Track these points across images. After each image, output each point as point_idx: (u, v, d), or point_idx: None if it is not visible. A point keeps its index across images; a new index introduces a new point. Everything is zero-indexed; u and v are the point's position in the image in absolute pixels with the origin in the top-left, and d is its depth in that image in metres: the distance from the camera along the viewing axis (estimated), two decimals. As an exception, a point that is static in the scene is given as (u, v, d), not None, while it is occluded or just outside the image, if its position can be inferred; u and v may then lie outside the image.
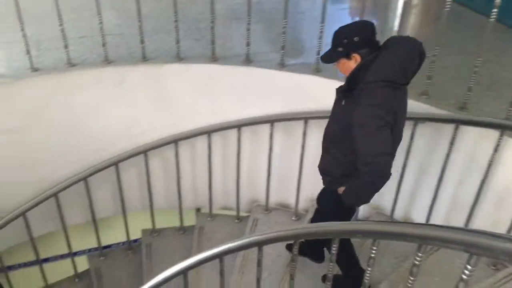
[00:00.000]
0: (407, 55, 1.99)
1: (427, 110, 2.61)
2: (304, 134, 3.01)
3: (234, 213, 3.57)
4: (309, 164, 3.10)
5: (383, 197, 3.03)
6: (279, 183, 3.39)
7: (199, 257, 2.17)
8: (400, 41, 2.07)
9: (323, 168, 2.31)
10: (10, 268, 3.40)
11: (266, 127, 3.10)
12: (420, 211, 2.89)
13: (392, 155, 2.10)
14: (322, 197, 2.50)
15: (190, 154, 3.37)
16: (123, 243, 3.75)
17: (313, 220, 2.70)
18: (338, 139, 2.16)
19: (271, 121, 3.06)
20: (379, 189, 2.03)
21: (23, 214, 3.05)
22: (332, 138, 2.24)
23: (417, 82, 2.66)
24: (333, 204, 2.29)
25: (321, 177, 2.35)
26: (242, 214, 3.57)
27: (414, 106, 2.59)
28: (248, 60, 3.02)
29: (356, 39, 1.99)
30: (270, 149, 3.17)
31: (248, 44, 2.97)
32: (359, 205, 2.32)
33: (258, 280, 2.00)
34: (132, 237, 3.64)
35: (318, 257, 2.80)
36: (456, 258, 2.43)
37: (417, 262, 1.41)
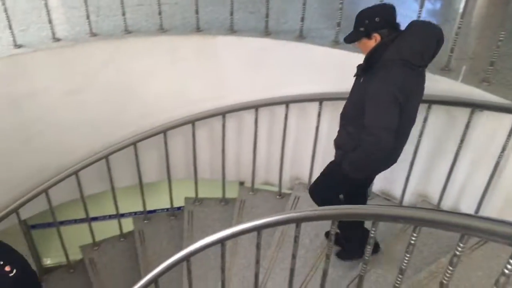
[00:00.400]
0: (425, 39, 2.09)
1: (487, 98, 2.46)
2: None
3: (276, 189, 3.58)
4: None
5: (431, 184, 2.93)
6: (324, 162, 3.34)
7: (238, 228, 2.20)
8: (421, 25, 2.16)
9: (338, 143, 2.42)
10: (62, 223, 3.61)
11: (314, 105, 3.06)
12: (470, 203, 2.78)
13: (403, 135, 2.24)
14: (330, 164, 2.56)
15: (237, 127, 3.39)
16: (167, 209, 3.87)
17: (314, 183, 2.69)
18: (354, 116, 2.25)
19: (321, 99, 3.01)
20: (378, 163, 2.21)
21: (76, 173, 3.22)
22: (348, 114, 2.34)
23: (478, 67, 2.51)
24: (338, 175, 2.37)
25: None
26: (284, 191, 3.57)
27: (474, 93, 2.46)
28: (301, 36, 2.97)
29: (377, 19, 2.12)
30: (317, 128, 3.13)
31: (302, 19, 2.91)
32: (359, 177, 2.33)
33: (294, 256, 2.00)
34: (176, 204, 3.75)
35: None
36: (502, 253, 2.32)
37: (458, 253, 1.35)
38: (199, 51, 3.08)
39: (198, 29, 3.04)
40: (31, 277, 2.57)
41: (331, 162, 2.55)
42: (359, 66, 2.24)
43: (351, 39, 2.21)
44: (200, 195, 3.71)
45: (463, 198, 2.83)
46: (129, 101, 3.21)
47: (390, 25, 2.13)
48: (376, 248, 2.62)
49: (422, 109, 2.66)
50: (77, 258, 3.83)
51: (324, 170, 2.61)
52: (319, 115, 3.07)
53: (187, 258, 2.12)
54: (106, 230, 3.97)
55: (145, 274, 2.15)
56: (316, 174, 3.37)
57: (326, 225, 2.75)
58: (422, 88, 2.22)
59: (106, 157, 3.25)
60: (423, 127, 2.72)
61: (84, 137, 3.27)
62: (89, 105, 3.15)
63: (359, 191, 2.65)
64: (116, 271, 3.51)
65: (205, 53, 3.09)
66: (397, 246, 2.69)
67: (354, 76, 2.28)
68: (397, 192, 3.11)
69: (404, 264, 1.59)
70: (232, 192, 3.72)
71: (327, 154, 3.27)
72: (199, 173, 3.56)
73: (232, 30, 3.02)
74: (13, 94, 2.90)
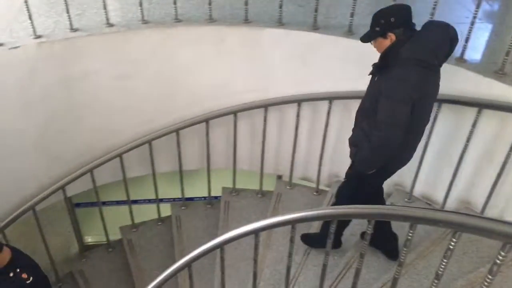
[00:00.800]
0: (439, 39, 2.15)
1: None
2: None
3: (313, 185, 3.55)
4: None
5: (475, 191, 2.83)
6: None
7: (273, 220, 2.21)
8: (435, 25, 2.21)
9: (353, 140, 2.46)
10: (104, 203, 3.75)
11: (358, 103, 3.00)
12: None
13: (416, 133, 2.31)
14: (348, 169, 2.62)
15: (278, 121, 3.39)
16: (204, 197, 3.93)
17: (338, 188, 2.76)
18: (369, 113, 2.30)
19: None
20: (386, 159, 2.25)
21: (120, 155, 3.34)
22: (363, 112, 2.40)
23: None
24: (354, 177, 2.49)
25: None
26: (322, 187, 3.54)
27: None
28: (350, 32, 2.92)
29: (392, 19, 2.17)
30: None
31: (352, 15, 2.86)
32: (365, 171, 2.36)
33: (327, 253, 1.99)
34: (213, 194, 3.80)
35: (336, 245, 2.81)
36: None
37: (498, 261, 1.30)
38: (246, 42, 3.09)
39: (246, 21, 3.05)
40: (43, 283, 2.72)
41: (348, 168, 2.61)
42: (374, 65, 2.27)
43: (367, 39, 2.27)
44: (238, 186, 3.75)
45: (509, 209, 2.71)
46: (175, 89, 3.28)
47: (405, 25, 2.18)
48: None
49: (471, 114, 2.57)
50: (116, 238, 3.96)
51: (345, 177, 2.68)
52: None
53: (221, 246, 2.14)
54: (145, 213, 4.09)
55: (180, 259, 2.20)
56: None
57: (362, 225, 2.72)
58: (437, 87, 2.25)
59: (149, 142, 3.34)
60: (471, 132, 2.62)
61: (129, 121, 3.37)
62: (136, 91, 3.24)
63: (374, 191, 2.66)
64: (152, 253, 3.61)
65: (251, 45, 3.10)
66: (434, 252, 2.62)
67: (369, 74, 2.32)
68: (439, 197, 3.01)
69: (441, 269, 1.55)
70: (269, 185, 3.73)
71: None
72: (238, 164, 3.59)
73: (280, 23, 3.01)
74: (67, 76, 3.03)
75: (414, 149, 2.40)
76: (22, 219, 3.19)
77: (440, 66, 2.20)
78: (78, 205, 4.65)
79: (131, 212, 3.78)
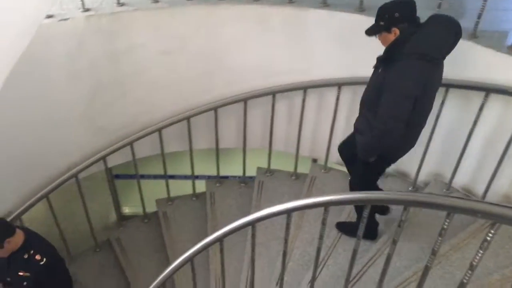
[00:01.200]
0: (444, 33, 2.20)
1: None
2: (443, 103, 2.79)
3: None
4: (440, 139, 2.90)
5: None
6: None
7: (306, 202, 2.22)
8: (439, 19, 2.25)
9: (357, 127, 2.56)
10: (142, 176, 3.86)
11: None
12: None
13: (418, 124, 2.40)
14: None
15: (317, 104, 3.36)
16: (239, 177, 3.98)
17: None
18: (371, 103, 2.38)
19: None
20: (385, 149, 2.36)
21: (159, 130, 3.41)
22: (366, 102, 2.48)
23: None
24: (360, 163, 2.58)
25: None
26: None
27: None
28: (396, 15, 2.83)
29: (396, 15, 2.21)
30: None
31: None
32: (366, 159, 2.48)
33: (359, 237, 1.98)
34: (248, 173, 3.84)
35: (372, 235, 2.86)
36: None
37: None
38: (288, 22, 3.06)
39: (290, 1, 3.02)
40: (59, 264, 2.81)
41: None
42: (378, 58, 2.34)
43: (371, 32, 2.31)
44: (272, 167, 3.76)
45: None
46: (215, 67, 3.31)
47: (409, 20, 2.23)
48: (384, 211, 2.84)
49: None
50: (152, 210, 4.08)
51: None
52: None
53: (253, 223, 2.18)
54: (181, 188, 4.18)
55: (212, 233, 2.25)
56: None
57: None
58: (440, 80, 2.33)
59: (188, 118, 3.40)
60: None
61: (170, 96, 3.43)
62: (179, 67, 3.29)
63: (374, 177, 2.74)
64: (185, 227, 3.70)
65: (294, 25, 3.07)
66: (470, 245, 2.56)
67: (373, 67, 2.40)
68: (479, 189, 2.93)
69: (476, 260, 1.52)
70: (304, 168, 3.73)
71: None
72: (273, 145, 3.60)
73: (325, 3, 2.96)
74: (113, 49, 3.11)
75: (415, 139, 2.49)
76: (65, 186, 3.34)
77: (444, 59, 2.24)
78: (117, 176, 4.80)
79: (167, 186, 3.88)
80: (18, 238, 2.52)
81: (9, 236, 2.46)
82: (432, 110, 2.43)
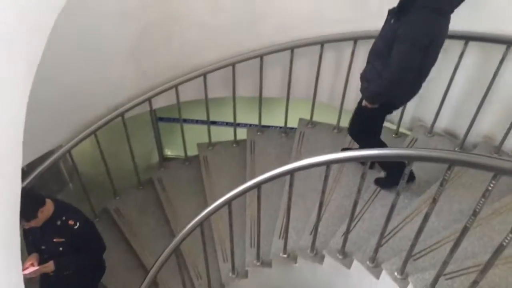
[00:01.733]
0: None
1: None
2: (502, 60, 2.62)
3: (394, 127, 3.43)
4: (501, 96, 2.76)
5: None
6: (456, 106, 3.09)
7: (347, 154, 2.21)
8: None
9: (364, 76, 2.68)
10: (185, 121, 3.92)
11: (459, 44, 2.76)
12: None
13: (424, 74, 2.52)
14: (358, 103, 2.87)
15: (366, 56, 3.23)
16: (280, 127, 3.97)
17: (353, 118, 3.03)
18: (381, 53, 2.51)
19: (467, 38, 2.71)
20: (392, 96, 2.58)
21: (204, 74, 3.42)
22: (376, 51, 2.59)
23: None
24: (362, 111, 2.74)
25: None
26: (402, 130, 3.41)
27: None
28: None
29: None
30: (455, 69, 2.85)
31: None
32: (374, 104, 2.63)
33: (398, 193, 1.96)
34: (289, 124, 3.82)
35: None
36: None
37: None
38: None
39: None
40: (92, 226, 2.86)
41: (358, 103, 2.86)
42: (391, 10, 2.45)
43: None
44: (315, 119, 3.72)
45: None
46: (265, 13, 3.21)
47: None
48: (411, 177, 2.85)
49: None
50: (192, 154, 4.18)
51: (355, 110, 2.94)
52: (461, 55, 2.78)
53: (292, 172, 2.19)
54: (222, 134, 4.23)
55: (250, 179, 2.28)
56: (443, 120, 3.16)
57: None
58: (446, 32, 2.41)
59: (233, 64, 3.37)
60: None
61: (216, 41, 3.40)
62: (226, 11, 3.22)
63: (380, 123, 2.95)
64: (225, 172, 3.78)
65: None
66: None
67: (387, 18, 2.50)
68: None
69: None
70: (347, 121, 3.65)
71: (462, 98, 3.00)
72: (318, 96, 3.54)
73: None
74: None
75: (419, 87, 2.62)
76: (111, 125, 3.45)
77: (452, 12, 2.31)
78: (161, 119, 4.91)
79: (209, 131, 3.94)
80: (49, 207, 2.60)
81: (41, 205, 2.54)
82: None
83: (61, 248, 2.67)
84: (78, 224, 2.66)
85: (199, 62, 3.44)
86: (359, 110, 2.84)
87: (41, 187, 4.13)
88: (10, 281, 1.25)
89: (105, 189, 4.02)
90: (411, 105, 3.24)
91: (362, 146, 2.95)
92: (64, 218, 2.64)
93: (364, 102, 2.69)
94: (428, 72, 2.53)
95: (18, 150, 1.24)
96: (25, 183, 2.92)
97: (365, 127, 2.86)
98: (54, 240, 2.66)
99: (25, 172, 2.79)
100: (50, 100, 3.00)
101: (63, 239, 2.66)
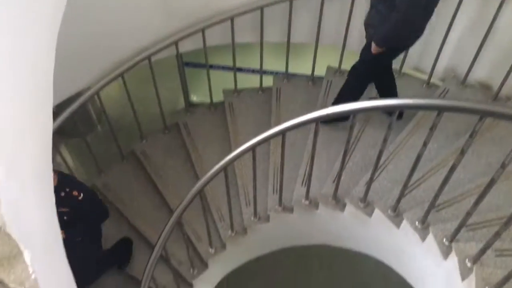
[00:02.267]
0: None
1: None
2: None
3: (425, 77, 3.32)
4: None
5: None
6: (487, 61, 2.96)
7: (373, 103, 2.17)
8: None
9: (368, 22, 2.67)
10: (211, 67, 3.88)
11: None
12: None
13: (429, 12, 2.48)
14: (363, 50, 2.87)
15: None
16: (307, 76, 3.90)
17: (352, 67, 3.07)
18: None
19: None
20: (401, 38, 2.58)
21: (231, 18, 3.34)
22: None
23: None
24: (370, 57, 2.71)
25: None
26: (434, 81, 3.31)
27: None
28: None
29: None
30: (494, 19, 2.70)
31: None
32: (384, 46, 2.60)
33: (425, 144, 1.93)
34: (317, 72, 3.74)
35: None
36: None
37: None
38: None
39: None
40: (95, 197, 2.93)
41: (363, 48, 2.86)
42: None
43: None
44: (343, 67, 3.63)
45: None
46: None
47: None
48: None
49: None
50: (218, 100, 4.18)
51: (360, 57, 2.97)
52: (501, 4, 2.63)
53: (317, 120, 2.17)
54: (247, 81, 4.20)
55: (275, 126, 2.28)
56: (478, 71, 3.04)
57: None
58: None
59: (261, 8, 3.28)
60: None
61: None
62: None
63: (385, 68, 2.99)
64: (250, 118, 3.77)
65: None
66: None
67: None
68: None
69: None
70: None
71: (499, 47, 2.87)
72: (348, 44, 3.43)
73: None
74: None
75: (424, 28, 2.59)
76: (137, 69, 3.45)
77: None
78: (187, 64, 4.89)
79: (235, 78, 3.90)
80: (53, 179, 2.68)
81: None
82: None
83: (65, 217, 2.74)
84: (82, 195, 2.73)
85: (228, 5, 3.35)
86: (363, 56, 2.88)
87: (70, 129, 4.25)
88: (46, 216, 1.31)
89: (132, 133, 4.10)
90: (445, 55, 3.12)
91: (347, 91, 3.08)
92: (67, 189, 2.70)
93: (373, 46, 2.64)
94: (433, 10, 2.50)
95: (49, 89, 1.27)
96: (55, 124, 2.99)
97: (367, 71, 2.92)
98: (59, 210, 2.77)
99: (55, 113, 2.86)
100: (76, 41, 3.00)
101: (67, 209, 2.72)
